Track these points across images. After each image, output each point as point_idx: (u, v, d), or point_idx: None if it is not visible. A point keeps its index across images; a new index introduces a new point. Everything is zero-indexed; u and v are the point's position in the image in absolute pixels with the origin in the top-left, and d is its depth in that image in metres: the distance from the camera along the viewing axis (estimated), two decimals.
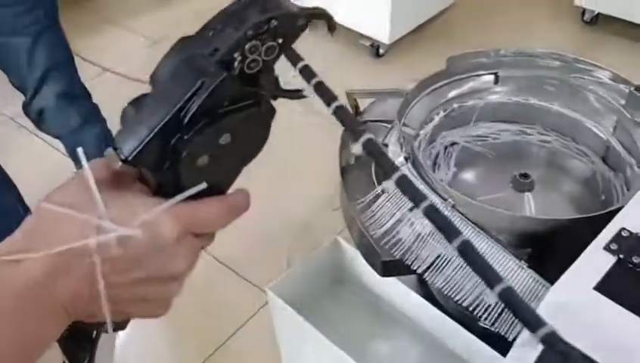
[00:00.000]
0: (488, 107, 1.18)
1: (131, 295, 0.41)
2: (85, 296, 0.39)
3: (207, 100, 0.39)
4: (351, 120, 0.42)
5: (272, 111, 0.44)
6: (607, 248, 0.74)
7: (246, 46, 0.41)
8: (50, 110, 1.41)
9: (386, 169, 0.40)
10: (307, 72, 0.43)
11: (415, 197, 0.42)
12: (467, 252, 0.41)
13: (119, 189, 0.41)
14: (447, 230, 0.42)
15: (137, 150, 0.39)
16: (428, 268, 0.91)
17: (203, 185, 0.41)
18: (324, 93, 0.41)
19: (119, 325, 0.47)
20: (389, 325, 1.19)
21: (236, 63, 0.41)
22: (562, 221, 0.89)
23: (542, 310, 0.71)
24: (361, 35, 2.35)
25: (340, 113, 0.41)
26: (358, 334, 1.18)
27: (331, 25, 0.48)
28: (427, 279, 0.90)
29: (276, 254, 1.71)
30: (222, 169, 0.44)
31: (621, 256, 0.73)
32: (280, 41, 0.43)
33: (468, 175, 1.18)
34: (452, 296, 0.90)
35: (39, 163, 2.00)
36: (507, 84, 1.18)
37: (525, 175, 1.12)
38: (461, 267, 0.91)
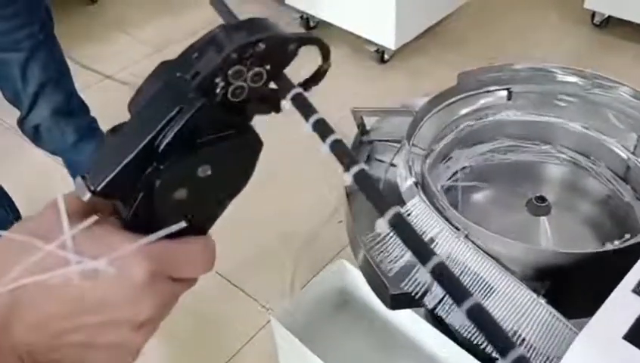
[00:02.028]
0: (501, 124, 1.12)
1: (93, 339, 0.36)
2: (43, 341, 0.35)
3: (184, 129, 0.36)
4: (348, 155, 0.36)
5: (259, 143, 0.40)
6: (636, 291, 0.69)
7: (229, 71, 0.37)
8: (45, 127, 1.36)
9: (378, 206, 0.34)
10: (302, 104, 0.38)
11: (420, 251, 0.36)
12: (477, 316, 0.36)
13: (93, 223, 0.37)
14: (456, 293, 0.36)
15: (105, 181, 0.36)
16: (439, 302, 0.86)
17: (182, 224, 0.37)
18: (321, 129, 0.36)
19: None
20: (395, 350, 1.14)
21: (218, 90, 0.37)
22: (582, 255, 0.83)
23: (569, 361, 0.66)
24: (367, 41, 2.29)
25: (336, 147, 0.36)
26: (364, 360, 1.13)
27: (324, 53, 0.43)
28: (438, 314, 0.85)
29: (280, 268, 1.67)
30: (203, 205, 0.40)
31: None
32: (268, 67, 0.38)
33: (481, 197, 1.13)
34: (466, 335, 0.84)
35: (42, 173, 1.96)
36: (521, 100, 1.13)
37: (541, 198, 1.07)
38: None
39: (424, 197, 0.93)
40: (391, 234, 0.92)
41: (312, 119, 0.35)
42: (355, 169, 0.35)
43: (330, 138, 0.34)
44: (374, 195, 0.35)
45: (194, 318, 1.61)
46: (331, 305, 1.17)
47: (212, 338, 1.56)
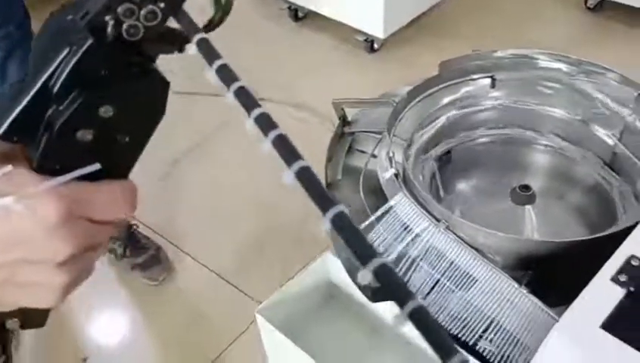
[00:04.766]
0: (485, 112, 1.11)
1: (11, 277, 0.37)
2: None
3: (76, 68, 0.36)
4: (287, 149, 0.34)
5: (163, 83, 0.40)
6: (615, 279, 0.68)
7: (119, 9, 0.36)
8: None
9: (321, 204, 0.33)
10: (206, 48, 0.36)
11: (361, 253, 0.35)
12: (420, 319, 0.34)
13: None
14: (398, 295, 0.35)
15: (6, 124, 0.37)
16: (418, 292, 0.85)
17: (96, 166, 0.38)
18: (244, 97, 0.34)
19: (33, 321, 0.44)
20: (382, 343, 1.13)
21: (109, 28, 0.37)
22: (563, 244, 0.82)
23: (546, 350, 0.65)
24: (356, 30, 2.27)
25: (261, 120, 0.34)
26: (351, 353, 1.12)
27: None
28: None
29: (270, 263, 1.66)
30: (113, 147, 0.40)
31: (631, 289, 0.66)
32: (161, 5, 0.37)
33: (465, 187, 1.12)
34: (449, 329, 0.84)
35: None
36: (505, 87, 1.11)
37: (526, 187, 1.05)
38: (457, 294, 0.85)
39: (405, 190, 0.92)
40: (374, 227, 0.91)
41: (216, 64, 0.34)
42: (296, 165, 0.34)
43: (256, 112, 0.33)
44: (315, 193, 0.34)
45: (184, 314, 1.61)
46: (317, 299, 1.16)
47: (203, 333, 1.56)
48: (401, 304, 0.32)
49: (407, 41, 2.33)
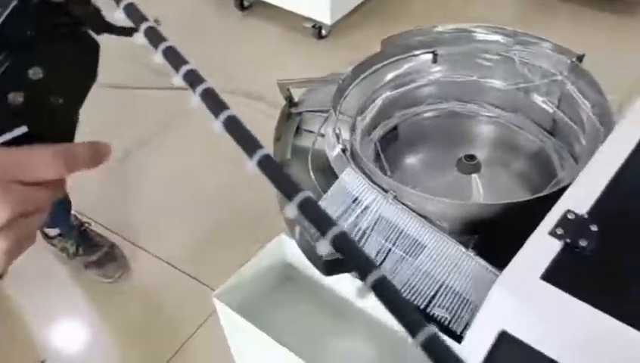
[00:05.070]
0: (428, 87, 1.13)
1: None
2: None
3: (1, 30, 0.36)
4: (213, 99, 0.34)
5: (93, 45, 0.41)
6: (552, 233, 0.70)
7: None
8: None
9: (247, 146, 0.33)
10: (132, 13, 0.36)
11: (320, 223, 0.35)
12: (382, 290, 0.34)
13: None
14: (361, 265, 0.35)
15: None
16: None
17: (24, 129, 0.38)
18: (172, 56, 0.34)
19: None
20: (343, 320, 1.14)
21: None
22: (505, 205, 0.85)
23: (489, 303, 0.67)
24: (303, 17, 2.28)
25: (189, 76, 0.34)
26: (312, 333, 1.13)
27: None
28: None
29: (229, 252, 1.65)
30: (46, 111, 0.40)
31: (567, 241, 0.69)
32: None
33: (413, 161, 1.14)
34: (408, 297, 0.85)
35: None
36: (446, 62, 1.13)
37: (471, 157, 1.08)
38: (407, 262, 0.86)
39: (353, 165, 0.94)
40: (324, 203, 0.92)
41: (143, 26, 0.34)
42: (225, 114, 0.33)
43: (184, 68, 0.33)
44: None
45: (143, 310, 1.59)
46: (274, 281, 1.17)
47: (163, 327, 1.54)
48: (363, 276, 0.33)
49: (355, 26, 2.35)
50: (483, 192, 1.07)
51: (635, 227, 0.72)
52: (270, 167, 0.34)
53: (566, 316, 0.64)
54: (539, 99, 1.11)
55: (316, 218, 0.35)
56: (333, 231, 0.34)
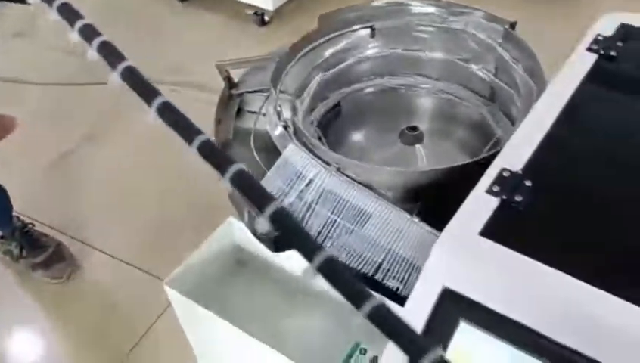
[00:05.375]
0: (368, 62, 1.14)
1: None
2: None
3: None
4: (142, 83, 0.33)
5: None
6: (489, 191, 0.72)
7: None
8: None
9: (187, 134, 0.33)
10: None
11: (258, 202, 0.35)
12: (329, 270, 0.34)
13: None
14: (304, 245, 0.35)
15: None
16: (318, 235, 0.87)
17: None
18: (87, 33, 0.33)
19: None
20: (297, 300, 1.14)
21: None
22: (446, 170, 0.86)
23: (431, 263, 0.68)
24: (244, 5, 2.26)
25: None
26: (266, 313, 1.13)
27: None
28: None
29: (180, 243, 1.62)
30: None
31: (504, 197, 0.71)
32: None
33: (357, 137, 1.15)
34: (349, 264, 0.86)
35: None
36: (384, 36, 1.14)
37: (413, 128, 1.09)
38: (354, 232, 0.87)
39: (296, 141, 0.93)
40: (269, 181, 0.92)
41: (56, 3, 0.33)
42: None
43: (98, 40, 0.32)
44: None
45: (96, 309, 1.55)
46: (226, 265, 1.16)
47: (120, 323, 1.51)
48: (308, 258, 0.33)
49: (297, 11, 2.34)
50: (426, 162, 1.08)
51: (566, 179, 0.74)
52: (206, 148, 0.34)
53: (505, 268, 0.65)
54: (476, 68, 1.13)
55: (252, 194, 0.35)
56: (271, 208, 0.33)
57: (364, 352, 1.06)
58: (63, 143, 1.88)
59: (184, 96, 1.98)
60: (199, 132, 0.34)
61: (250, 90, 1.06)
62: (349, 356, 1.07)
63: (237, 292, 1.15)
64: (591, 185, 0.74)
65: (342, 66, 1.11)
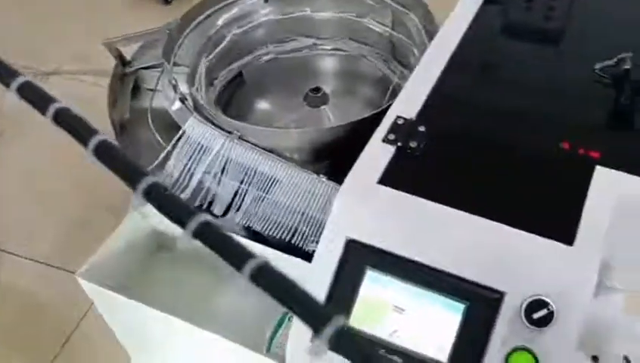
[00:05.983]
0: (264, 28, 1.12)
1: None
2: None
3: None
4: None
5: None
6: (385, 139, 0.72)
7: None
8: None
9: (42, 104, 0.31)
10: None
11: (130, 176, 0.34)
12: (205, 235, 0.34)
13: None
14: (179, 213, 0.34)
15: None
16: (227, 209, 0.85)
17: None
18: None
19: None
20: (223, 277, 1.13)
21: None
22: (348, 125, 0.86)
23: (333, 214, 0.68)
24: None
25: None
26: (193, 296, 1.11)
27: None
28: (229, 218, 0.85)
29: (101, 239, 1.57)
30: None
31: (399, 144, 0.71)
32: None
33: (263, 105, 1.13)
34: (265, 231, 0.86)
35: None
36: (277, 1, 1.12)
37: (317, 89, 1.09)
38: (265, 199, 0.86)
39: (195, 114, 0.91)
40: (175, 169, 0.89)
41: None
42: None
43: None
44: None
45: (18, 315, 1.48)
46: (145, 251, 1.12)
47: (45, 325, 1.45)
48: (182, 224, 0.31)
49: None
50: (334, 121, 1.08)
51: (457, 123, 0.76)
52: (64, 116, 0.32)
53: (404, 213, 0.66)
54: (372, 23, 1.13)
55: (121, 168, 0.33)
56: (144, 183, 0.32)
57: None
58: None
59: (84, 82, 1.90)
60: (53, 100, 0.32)
61: (144, 66, 1.02)
62: (279, 325, 1.07)
63: (163, 277, 1.12)
64: (480, 127, 0.76)
65: (238, 32, 1.09)
